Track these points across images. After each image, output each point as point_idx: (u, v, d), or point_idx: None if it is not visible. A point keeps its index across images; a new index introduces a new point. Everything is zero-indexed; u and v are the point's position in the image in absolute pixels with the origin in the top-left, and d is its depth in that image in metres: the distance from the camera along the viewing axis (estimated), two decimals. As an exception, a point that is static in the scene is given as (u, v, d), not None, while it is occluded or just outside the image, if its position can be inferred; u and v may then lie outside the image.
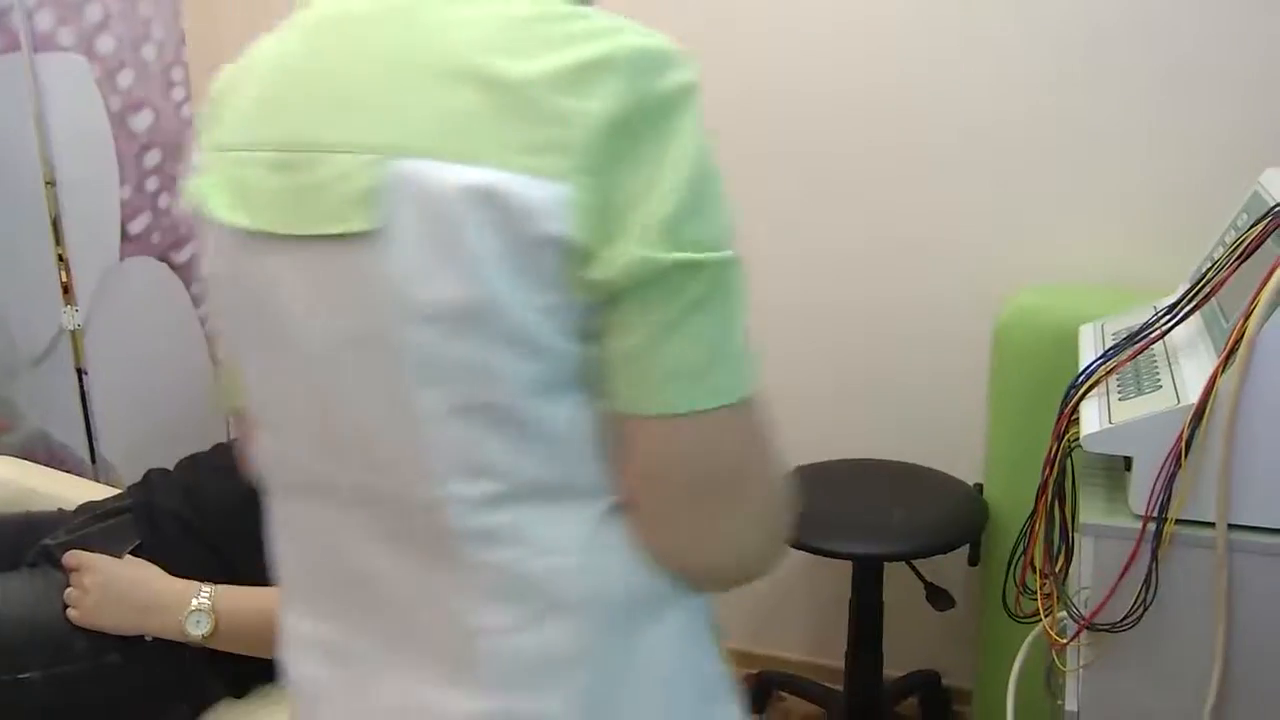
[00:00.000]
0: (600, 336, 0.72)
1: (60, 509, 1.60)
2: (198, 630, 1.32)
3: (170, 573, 1.38)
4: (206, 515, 1.46)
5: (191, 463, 1.60)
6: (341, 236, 0.71)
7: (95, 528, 1.47)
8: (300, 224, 0.73)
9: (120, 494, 1.61)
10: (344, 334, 0.74)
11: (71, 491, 1.75)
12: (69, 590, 1.34)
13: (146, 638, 1.34)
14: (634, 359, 0.71)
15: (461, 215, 0.68)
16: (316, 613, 0.86)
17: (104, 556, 1.37)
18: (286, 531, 0.87)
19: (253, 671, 1.40)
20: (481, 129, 0.68)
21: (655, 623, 0.81)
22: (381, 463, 0.76)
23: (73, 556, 1.37)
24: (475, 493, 0.74)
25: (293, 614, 0.88)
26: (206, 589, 1.35)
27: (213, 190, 0.79)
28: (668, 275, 0.69)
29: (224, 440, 1.70)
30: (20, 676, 1.29)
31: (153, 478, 1.57)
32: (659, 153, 0.69)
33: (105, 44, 2.17)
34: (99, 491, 1.75)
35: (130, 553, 1.41)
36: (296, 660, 0.88)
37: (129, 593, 1.34)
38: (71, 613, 1.33)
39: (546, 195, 0.67)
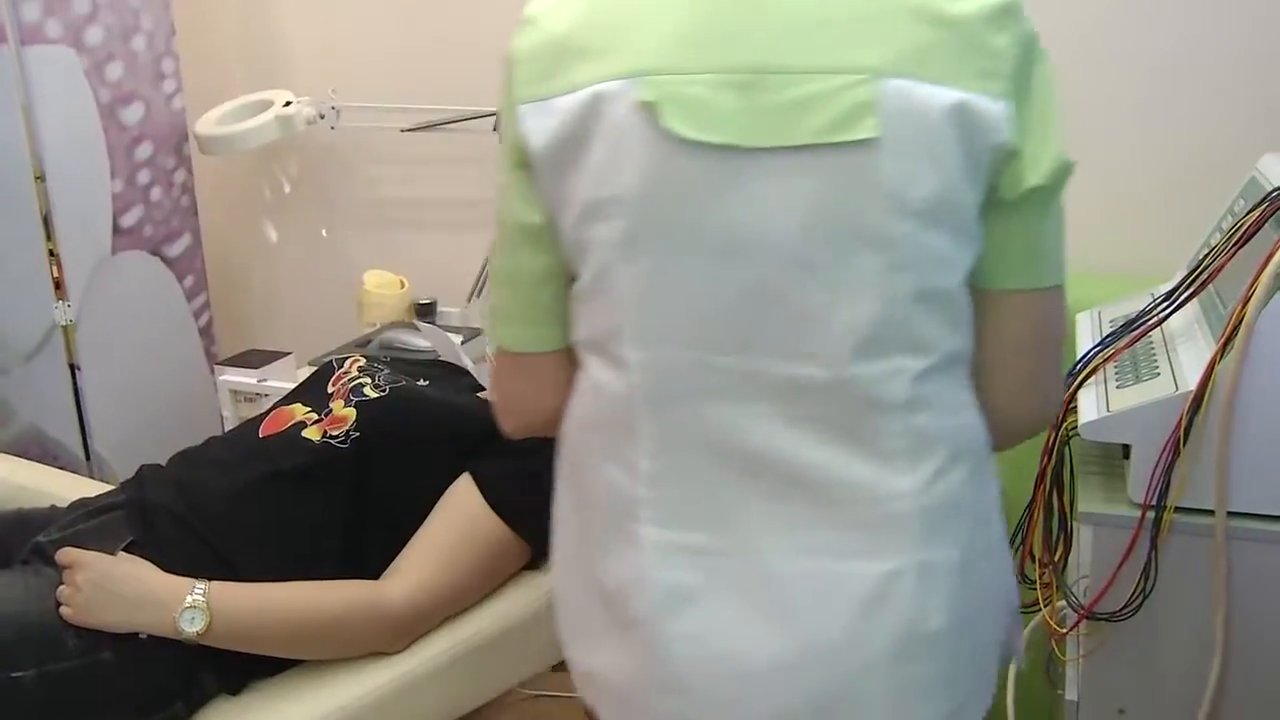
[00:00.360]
0: (990, 227, 0.91)
1: (53, 506, 1.59)
2: (191, 627, 1.31)
3: (164, 569, 1.37)
4: (200, 510, 1.45)
5: (184, 458, 1.59)
6: (842, 144, 0.85)
7: (88, 524, 1.46)
8: (785, 136, 0.86)
9: (113, 490, 1.60)
10: (827, 230, 0.87)
11: (64, 488, 1.73)
12: (61, 588, 1.33)
13: (140, 635, 1.33)
14: (1027, 245, 0.93)
15: (941, 127, 0.86)
16: (687, 521, 0.94)
17: (97, 553, 1.36)
18: (660, 446, 0.94)
19: (248, 668, 1.39)
20: (945, 57, 0.86)
21: (988, 470, 0.99)
22: (826, 348, 0.89)
23: (65, 554, 1.36)
24: (915, 366, 0.90)
25: (656, 529, 0.95)
26: (200, 585, 1.34)
27: (662, 109, 0.87)
28: (1061, 176, 0.90)
29: (217, 435, 1.69)
30: (13, 675, 1.28)
31: (145, 473, 1.55)
32: (1043, 79, 0.90)
33: (94, 35, 2.15)
34: (92, 488, 1.73)
35: (123, 549, 1.39)
36: (661, 570, 0.95)
37: (122, 590, 1.33)
38: (64, 610, 1.32)
39: (997, 111, 0.87)
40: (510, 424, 1.08)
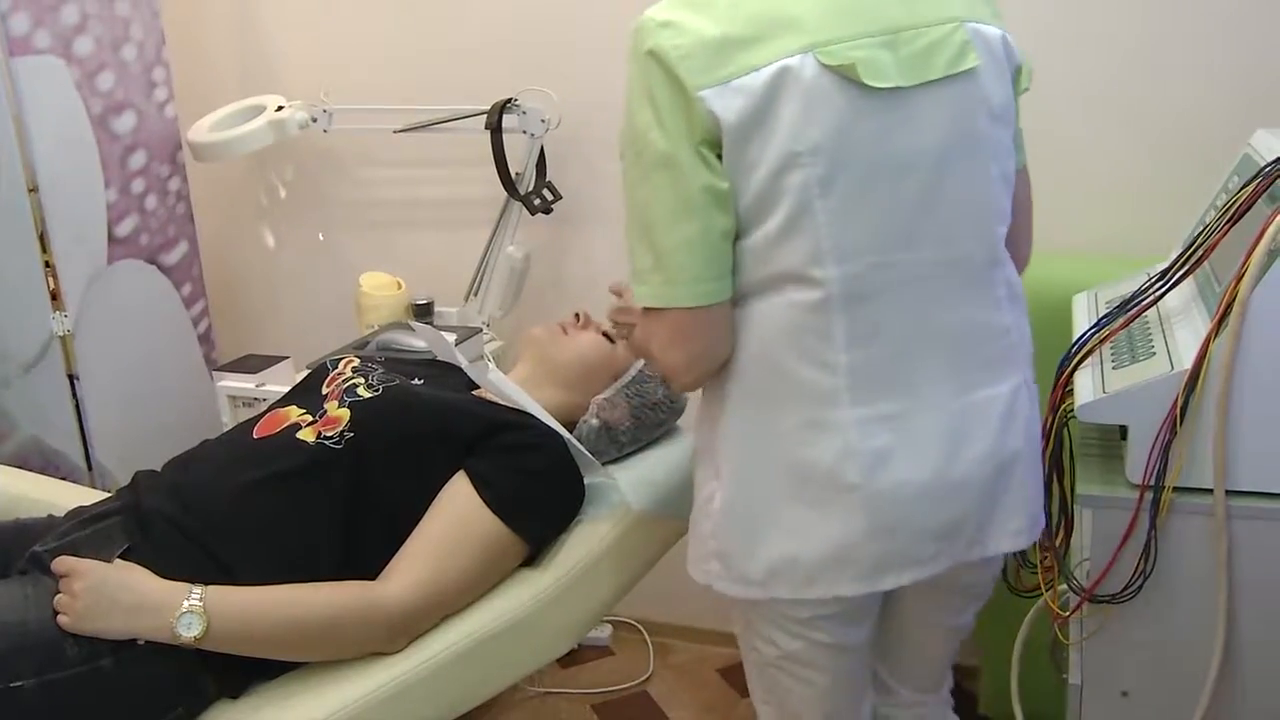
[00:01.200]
0: None
1: (51, 515, 1.59)
2: (189, 632, 1.31)
3: (160, 574, 1.36)
4: (195, 514, 1.44)
5: (179, 462, 1.58)
6: (960, 74, 1.18)
7: (84, 532, 1.46)
8: (926, 74, 1.16)
9: (109, 497, 1.59)
10: (957, 138, 1.19)
11: (63, 497, 1.73)
12: (59, 596, 1.32)
13: (139, 641, 1.33)
14: (1017, 136, 1.29)
15: (999, 53, 1.23)
16: (877, 397, 1.20)
17: (93, 561, 1.35)
18: (853, 340, 1.18)
19: (248, 672, 1.39)
20: (982, 4, 1.23)
21: None
22: (963, 229, 1.21)
23: (61, 562, 1.35)
24: (1001, 231, 1.26)
25: (854, 409, 1.20)
26: (197, 590, 1.33)
27: (855, 68, 1.13)
28: (1030, 78, 1.30)
29: (210, 438, 1.68)
30: (13, 685, 1.27)
31: (140, 479, 1.55)
32: None
33: (83, 46, 2.15)
34: (90, 496, 1.73)
35: (120, 556, 1.39)
36: (864, 440, 1.20)
37: (118, 596, 1.32)
38: (62, 619, 1.31)
39: (1012, 40, 1.25)
40: (689, 380, 1.26)
